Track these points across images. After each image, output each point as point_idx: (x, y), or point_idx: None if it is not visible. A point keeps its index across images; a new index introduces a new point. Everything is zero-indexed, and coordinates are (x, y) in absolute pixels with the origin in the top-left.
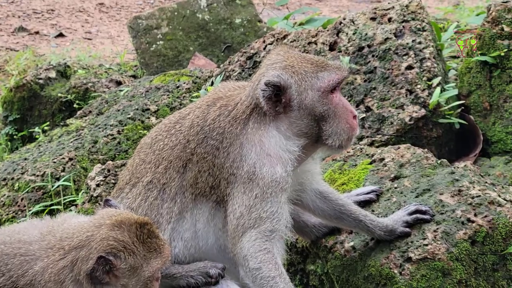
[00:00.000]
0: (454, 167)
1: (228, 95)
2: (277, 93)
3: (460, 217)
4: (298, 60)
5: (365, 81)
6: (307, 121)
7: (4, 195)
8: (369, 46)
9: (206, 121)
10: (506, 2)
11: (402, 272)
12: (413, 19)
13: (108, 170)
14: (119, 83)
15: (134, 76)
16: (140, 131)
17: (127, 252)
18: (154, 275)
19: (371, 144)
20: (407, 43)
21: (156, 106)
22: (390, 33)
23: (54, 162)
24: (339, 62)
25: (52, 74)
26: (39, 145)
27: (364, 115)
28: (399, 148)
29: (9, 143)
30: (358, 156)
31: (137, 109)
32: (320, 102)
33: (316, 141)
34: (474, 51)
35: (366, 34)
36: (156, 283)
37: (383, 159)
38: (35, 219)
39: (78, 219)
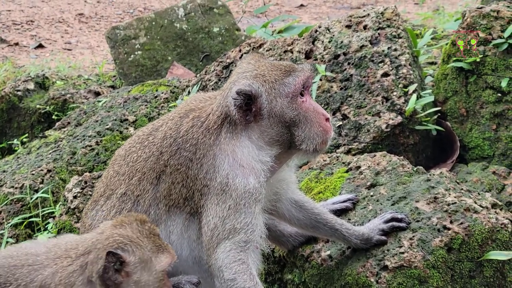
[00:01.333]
0: (430, 174)
1: (200, 106)
2: (248, 102)
3: (436, 225)
4: (269, 68)
5: (341, 89)
6: (278, 129)
7: None
8: (344, 53)
9: (179, 132)
10: (481, 8)
11: (379, 280)
12: (388, 26)
13: (85, 182)
14: (97, 94)
15: (113, 87)
16: (118, 142)
17: (134, 245)
18: (164, 271)
19: (348, 152)
20: (383, 50)
21: (135, 116)
22: (366, 41)
23: (33, 174)
24: (306, 64)
25: (31, 86)
26: (18, 157)
27: (340, 123)
28: (375, 156)
29: None
30: (334, 164)
31: (115, 120)
32: (290, 108)
33: (289, 148)
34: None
35: (342, 42)
36: (168, 282)
37: (359, 167)
38: (40, 239)
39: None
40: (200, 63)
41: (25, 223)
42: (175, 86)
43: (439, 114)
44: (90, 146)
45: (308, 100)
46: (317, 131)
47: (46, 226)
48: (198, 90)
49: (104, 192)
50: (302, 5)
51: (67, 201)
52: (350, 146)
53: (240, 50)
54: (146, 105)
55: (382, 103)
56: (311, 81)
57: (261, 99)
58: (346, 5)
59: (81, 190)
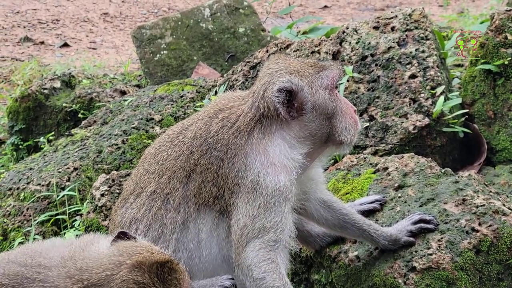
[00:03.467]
0: (458, 176)
1: (229, 106)
2: (289, 99)
3: (465, 227)
4: (300, 64)
5: (368, 90)
6: (319, 121)
7: (10, 205)
8: (372, 55)
9: (209, 133)
10: (509, 10)
11: (407, 281)
12: (416, 28)
13: (113, 180)
14: (123, 93)
15: (139, 86)
16: (144, 141)
17: None
18: None
19: (374, 153)
20: (410, 52)
21: (160, 115)
22: (393, 42)
23: (59, 172)
24: (334, 62)
25: (57, 84)
26: (44, 155)
27: (367, 124)
28: (402, 157)
29: (14, 153)
30: (361, 165)
31: (141, 119)
32: (330, 99)
33: (326, 141)
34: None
35: (369, 43)
36: None
37: (386, 168)
38: (59, 239)
39: (99, 246)
40: (226, 63)
41: (51, 220)
42: (201, 86)
43: (467, 117)
44: (116, 144)
45: (339, 95)
46: (351, 122)
47: (73, 224)
48: (225, 90)
49: (134, 190)
50: (326, 6)
51: (94, 199)
52: (377, 147)
53: (267, 51)
54: (172, 104)
55: (410, 104)
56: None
57: (303, 93)
58: (370, 7)
59: (108, 188)
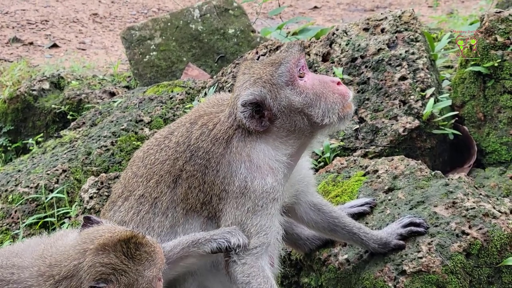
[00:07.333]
0: (448, 179)
1: (208, 112)
2: (257, 110)
3: (455, 230)
4: (261, 68)
5: (358, 92)
6: (292, 119)
7: None
8: (362, 57)
9: (190, 140)
10: (499, 12)
11: (397, 285)
12: (406, 30)
13: (101, 183)
14: (112, 94)
15: (128, 87)
16: (133, 142)
17: (117, 273)
18: (152, 282)
19: (364, 156)
20: (400, 54)
21: (150, 117)
22: (383, 44)
23: (48, 174)
24: (293, 46)
25: (46, 85)
26: (33, 157)
27: (357, 126)
28: (392, 159)
29: (3, 154)
30: (351, 167)
31: (131, 120)
32: (294, 94)
33: (312, 131)
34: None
35: (359, 45)
36: (159, 283)
37: (376, 170)
38: (35, 238)
39: (67, 239)
40: (215, 64)
41: (40, 223)
42: (190, 87)
43: (457, 118)
44: (105, 146)
45: (311, 77)
46: (333, 99)
47: (61, 226)
48: (214, 92)
49: (122, 193)
50: (315, 7)
51: (83, 202)
52: (367, 150)
53: (257, 52)
54: (161, 106)
55: (400, 106)
56: (304, 60)
57: (267, 101)
58: (359, 8)
59: (97, 191)
